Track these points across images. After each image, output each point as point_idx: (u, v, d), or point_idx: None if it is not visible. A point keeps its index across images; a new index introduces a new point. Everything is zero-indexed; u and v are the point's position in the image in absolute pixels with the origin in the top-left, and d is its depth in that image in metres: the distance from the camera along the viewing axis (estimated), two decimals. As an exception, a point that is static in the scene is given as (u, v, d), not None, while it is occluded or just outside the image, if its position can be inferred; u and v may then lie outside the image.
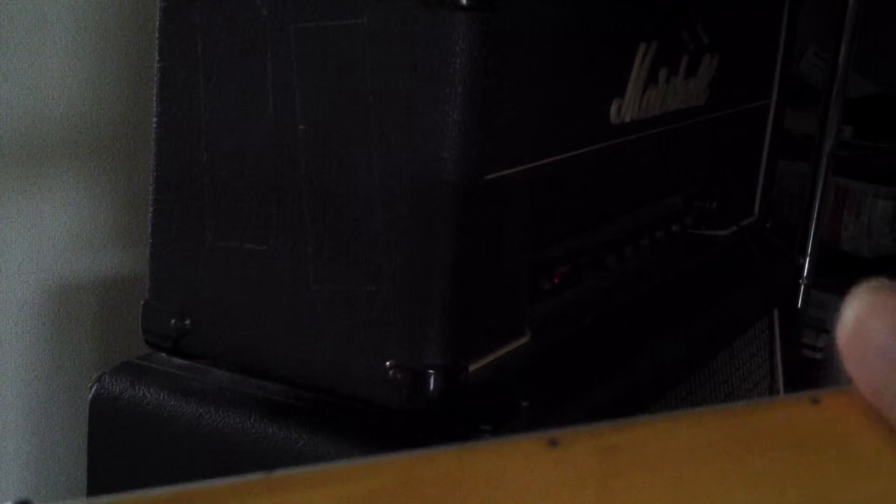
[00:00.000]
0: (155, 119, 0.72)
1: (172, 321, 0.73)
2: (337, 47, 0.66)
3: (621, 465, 0.26)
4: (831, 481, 0.27)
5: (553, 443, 0.25)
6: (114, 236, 1.08)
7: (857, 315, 0.27)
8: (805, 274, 1.36)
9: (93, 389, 0.76)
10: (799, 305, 1.35)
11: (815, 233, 1.37)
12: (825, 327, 1.56)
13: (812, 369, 1.54)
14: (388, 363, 0.67)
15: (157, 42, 0.72)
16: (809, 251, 1.37)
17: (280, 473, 0.24)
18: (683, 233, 1.01)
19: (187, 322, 0.73)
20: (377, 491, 0.24)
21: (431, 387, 0.66)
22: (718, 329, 1.04)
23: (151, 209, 0.73)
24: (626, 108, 0.84)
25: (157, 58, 0.72)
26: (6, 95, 0.96)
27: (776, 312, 1.18)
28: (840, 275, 1.56)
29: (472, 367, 0.68)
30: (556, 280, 0.80)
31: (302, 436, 0.70)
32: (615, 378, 0.84)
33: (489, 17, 0.64)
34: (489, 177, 0.67)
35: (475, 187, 0.66)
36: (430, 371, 0.66)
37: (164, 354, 0.77)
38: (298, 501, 0.24)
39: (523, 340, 0.74)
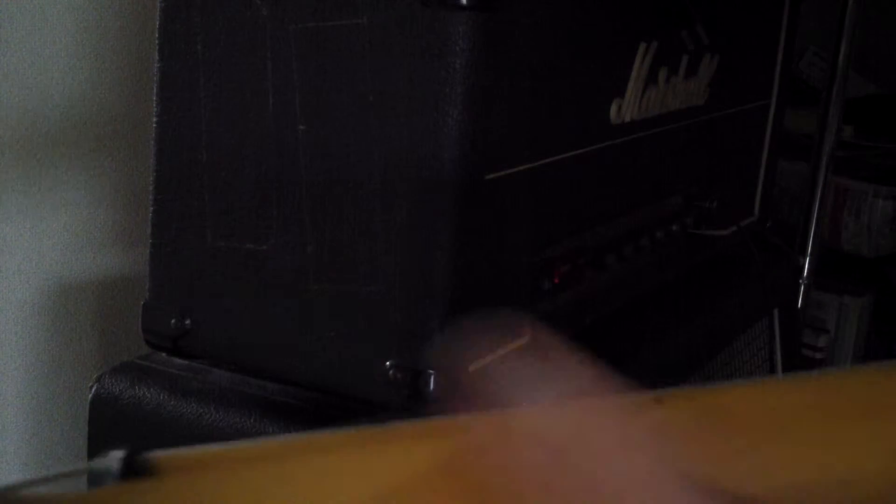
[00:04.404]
0: (155, 119, 0.72)
1: (172, 321, 0.73)
2: (337, 47, 0.66)
3: (722, 426, 0.27)
4: None
5: (659, 401, 0.27)
6: (114, 236, 1.08)
7: None
8: (805, 274, 1.36)
9: (93, 389, 0.76)
10: (799, 305, 1.35)
11: (815, 233, 1.37)
12: (825, 327, 1.56)
13: (812, 369, 1.54)
14: (388, 363, 0.67)
15: (157, 42, 0.72)
16: (809, 251, 1.37)
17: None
18: (683, 233, 1.01)
19: (187, 322, 0.73)
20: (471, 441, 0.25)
21: (431, 387, 0.66)
22: (718, 329, 1.04)
23: (151, 209, 0.73)
24: (626, 108, 0.84)
25: (157, 58, 0.72)
26: (6, 95, 0.96)
27: (776, 312, 1.18)
28: (840, 275, 1.56)
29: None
30: (556, 280, 0.80)
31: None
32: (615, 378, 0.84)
33: (489, 17, 0.64)
34: (489, 177, 0.67)
35: (475, 187, 0.66)
36: (430, 371, 0.66)
37: (164, 354, 0.77)
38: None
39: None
